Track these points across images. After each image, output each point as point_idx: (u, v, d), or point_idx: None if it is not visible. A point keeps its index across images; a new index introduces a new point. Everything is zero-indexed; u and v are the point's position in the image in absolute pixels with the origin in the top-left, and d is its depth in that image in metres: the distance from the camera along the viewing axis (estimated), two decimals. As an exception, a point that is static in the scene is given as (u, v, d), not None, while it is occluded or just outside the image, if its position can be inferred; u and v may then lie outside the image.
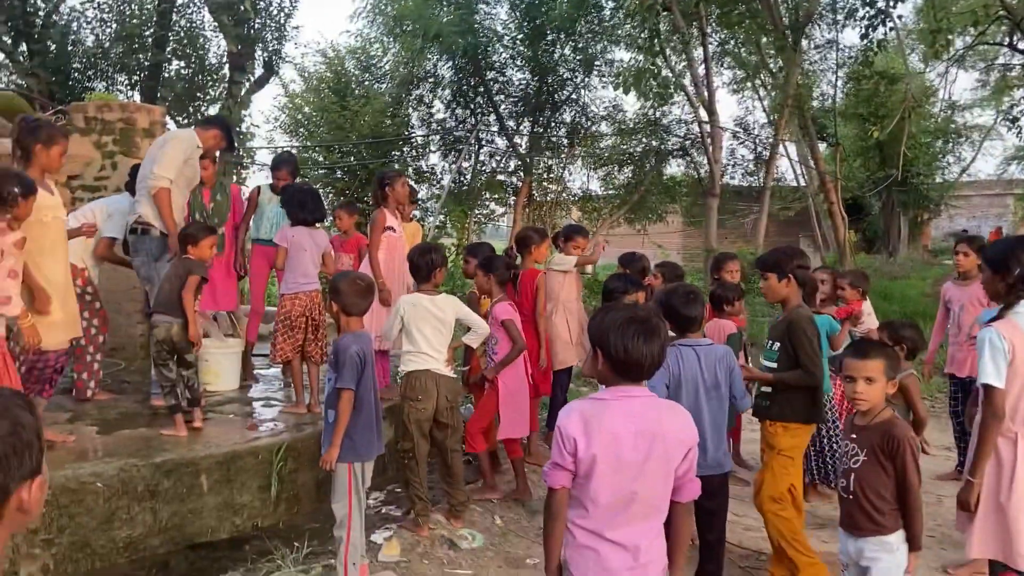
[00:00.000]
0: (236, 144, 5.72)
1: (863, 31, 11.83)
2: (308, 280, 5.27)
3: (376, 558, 4.00)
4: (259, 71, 14.85)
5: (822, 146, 22.75)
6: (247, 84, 14.43)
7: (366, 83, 17.52)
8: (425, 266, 4.37)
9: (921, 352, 4.82)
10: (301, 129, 16.97)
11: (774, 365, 3.74)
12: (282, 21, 14.61)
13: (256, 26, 13.93)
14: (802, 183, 24.53)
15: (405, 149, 17.62)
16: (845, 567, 3.11)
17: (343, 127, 15.73)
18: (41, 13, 13.48)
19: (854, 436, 2.98)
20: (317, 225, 5.48)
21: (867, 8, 11.57)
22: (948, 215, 35.79)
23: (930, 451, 4.39)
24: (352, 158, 16.16)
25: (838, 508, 3.12)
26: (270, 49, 14.68)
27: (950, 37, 19.10)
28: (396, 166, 16.30)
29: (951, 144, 29.76)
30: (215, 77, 15.09)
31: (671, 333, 3.40)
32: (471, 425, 4.89)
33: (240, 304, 6.41)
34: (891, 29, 11.97)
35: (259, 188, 6.24)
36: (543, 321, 5.53)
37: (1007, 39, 20.87)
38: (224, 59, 14.85)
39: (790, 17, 17.18)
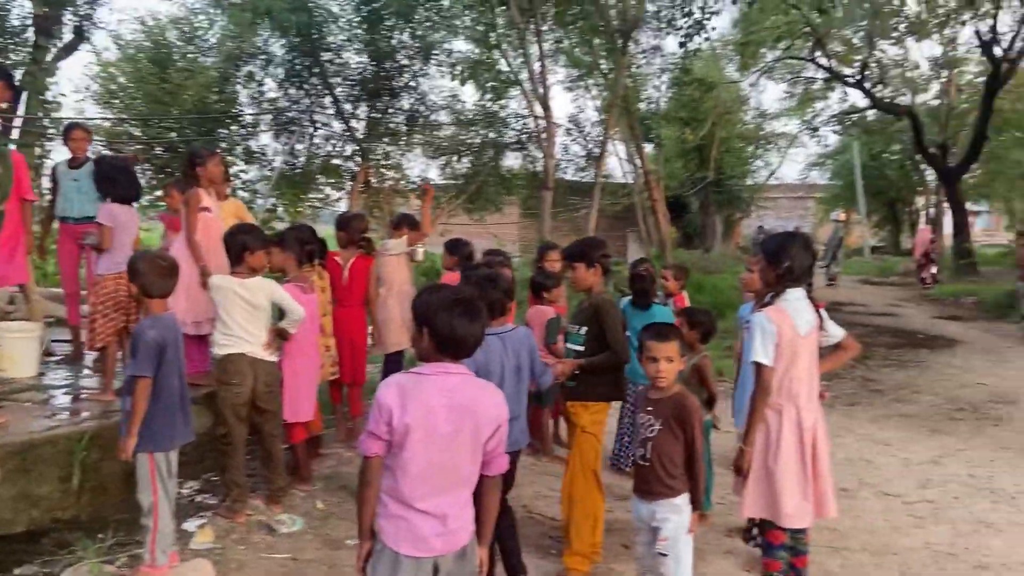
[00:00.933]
0: (25, 98, 5.25)
1: (682, 40, 12.64)
2: (126, 259, 4.99)
3: (188, 546, 3.90)
4: (68, 36, 13.69)
5: (648, 146, 24.10)
6: (54, 50, 13.25)
7: (190, 55, 16.56)
8: (235, 247, 4.25)
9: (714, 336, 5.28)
10: (115, 100, 15.79)
11: (581, 348, 3.99)
12: (94, -16, 13.52)
13: (64, -12, 12.81)
14: (629, 181, 25.79)
15: (233, 128, 16.84)
16: (638, 531, 3.40)
17: (163, 101, 14.81)
18: None
19: (650, 409, 3.27)
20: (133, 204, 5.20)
21: (685, 19, 12.37)
22: (758, 215, 38.89)
23: (721, 427, 4.82)
24: (174, 134, 15.27)
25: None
26: (81, 13, 13.56)
27: (761, 50, 20.85)
28: (223, 145, 15.58)
29: (760, 149, 32.36)
30: (17, 40, 13.72)
31: None
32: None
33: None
34: (706, 39, 12.85)
35: (56, 165, 5.83)
36: (376, 306, 5.58)
37: (811, 54, 23.06)
38: (29, 22, 13.56)
39: (619, 21, 18.01)
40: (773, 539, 3.55)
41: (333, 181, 18.56)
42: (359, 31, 16.82)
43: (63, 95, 16.39)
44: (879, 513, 5.02)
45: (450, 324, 2.40)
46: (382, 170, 19.13)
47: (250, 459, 4.76)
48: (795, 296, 3.48)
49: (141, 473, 3.46)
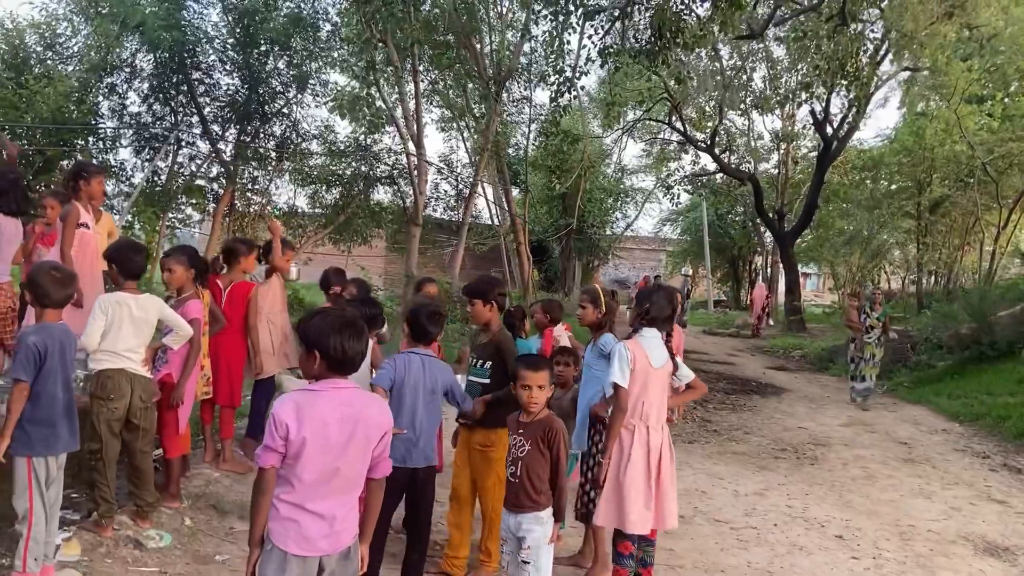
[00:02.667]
0: None
1: (553, 94, 13.41)
2: (8, 270, 4.89)
3: (54, 558, 3.86)
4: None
5: (515, 191, 24.96)
6: None
7: (49, 62, 15.81)
8: (134, 264, 4.31)
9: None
10: (-38, 103, 14.79)
11: (487, 381, 4.38)
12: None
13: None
14: (496, 222, 26.54)
15: (91, 139, 16.13)
16: (505, 540, 3.74)
17: (17, 106, 14.05)
18: None
19: (521, 431, 3.64)
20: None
21: (557, 75, 13.16)
22: (614, 263, 40.80)
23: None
24: (25, 141, 14.46)
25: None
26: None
27: (623, 110, 22.25)
28: (79, 156, 14.88)
29: (619, 202, 34.13)
30: None
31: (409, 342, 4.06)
32: (168, 430, 4.79)
33: None
34: (575, 97, 13.68)
35: None
36: (253, 331, 5.66)
37: (668, 117, 24.81)
38: None
39: (494, 70, 18.79)
40: (623, 549, 4.03)
41: (195, 202, 18.07)
42: (233, 53, 16.65)
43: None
44: (710, 537, 5.61)
45: (341, 345, 2.66)
46: (248, 194, 18.82)
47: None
48: (651, 335, 4.08)
49: (18, 477, 3.44)
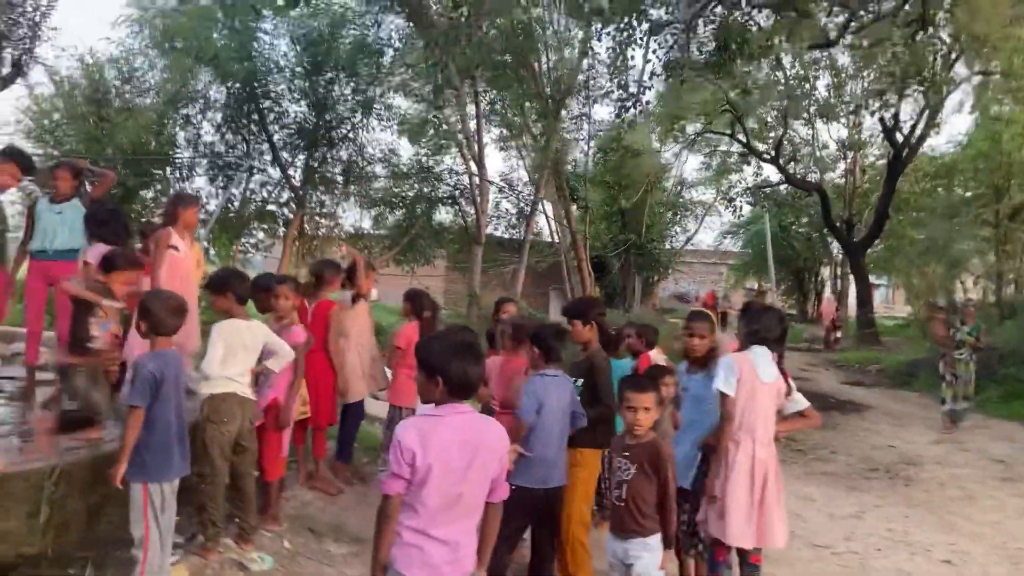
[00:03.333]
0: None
1: (616, 111, 13.38)
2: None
3: (166, 581, 3.94)
4: (6, 69, 13.44)
5: (574, 207, 24.92)
6: (-11, 82, 13.02)
7: (127, 95, 16.42)
8: (247, 292, 4.44)
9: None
10: (47, 136, 15.46)
11: (577, 398, 4.31)
12: (37, 20, 13.38)
13: (6, 21, 12.65)
14: (556, 239, 26.51)
15: (168, 169, 16.68)
16: (612, 568, 3.68)
17: (99, 139, 14.61)
18: None
19: (627, 454, 3.58)
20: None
21: (621, 91, 13.13)
22: (674, 278, 40.32)
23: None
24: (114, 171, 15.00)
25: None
26: (21, 48, 13.36)
27: (683, 123, 22.08)
28: (159, 186, 15.41)
29: (679, 216, 33.77)
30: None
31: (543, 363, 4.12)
32: (271, 452, 4.87)
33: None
34: (640, 112, 13.63)
35: (35, 200, 5.84)
36: (340, 355, 5.72)
37: (729, 130, 24.52)
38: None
39: (552, 88, 18.85)
40: (718, 555, 4.00)
41: (267, 227, 18.51)
42: (300, 81, 17.06)
43: (-4, 128, 15.98)
44: (811, 562, 5.43)
45: (463, 370, 2.65)
46: (317, 218, 19.21)
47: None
48: (760, 352, 4.02)
49: (135, 504, 3.52)
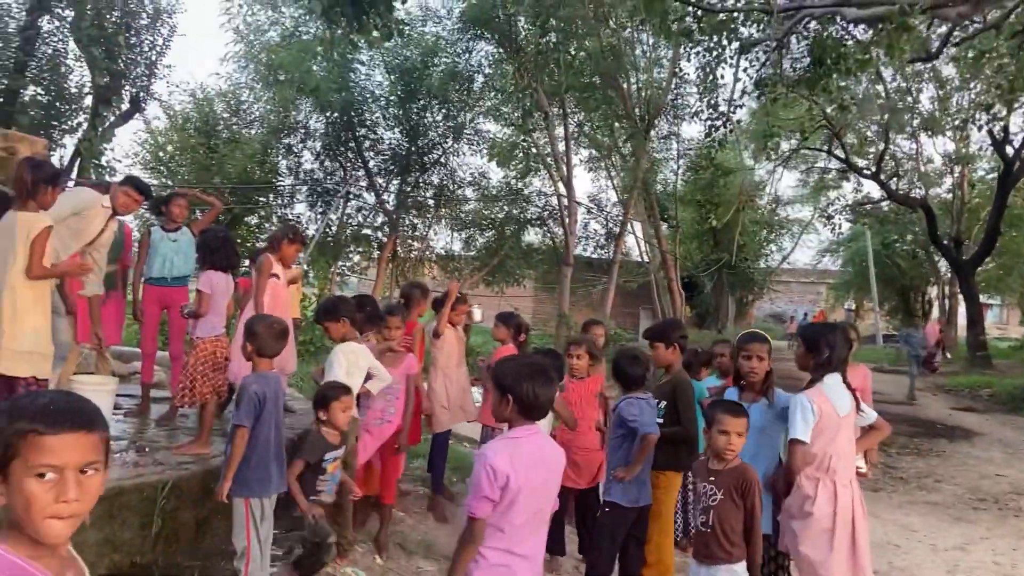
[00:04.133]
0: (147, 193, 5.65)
1: (706, 130, 13.24)
2: (223, 323, 5.35)
3: (265, 592, 4.13)
4: (125, 105, 14.47)
5: (664, 227, 24.72)
6: (112, 118, 14.01)
7: (234, 127, 17.39)
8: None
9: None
10: (162, 167, 16.53)
11: (660, 420, 4.33)
12: (153, 58, 14.37)
13: (126, 60, 13.64)
14: (645, 259, 26.31)
15: (271, 196, 17.54)
16: (697, 594, 3.64)
17: (208, 168, 15.52)
18: None
19: (712, 479, 3.54)
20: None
21: (711, 110, 12.99)
22: (770, 298, 39.26)
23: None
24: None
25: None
26: (139, 85, 14.37)
27: (778, 140, 21.58)
28: (262, 212, 16.20)
29: (774, 234, 32.94)
30: (73, 107, 14.51)
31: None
32: (391, 476, 5.03)
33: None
34: (731, 131, 13.46)
35: (150, 229, 6.27)
36: (421, 373, 5.86)
37: (827, 146, 23.81)
38: (85, 89, 14.37)
39: (641, 109, 18.83)
40: None
41: (362, 250, 19.15)
42: (394, 109, 17.65)
43: (119, 160, 17.17)
44: (912, 595, 5.21)
45: (533, 391, 2.75)
46: (409, 241, 19.74)
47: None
48: (833, 381, 3.76)
49: (237, 517, 3.73)
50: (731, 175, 24.48)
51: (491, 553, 2.71)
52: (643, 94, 19.38)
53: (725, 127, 13.08)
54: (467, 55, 17.47)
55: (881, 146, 22.28)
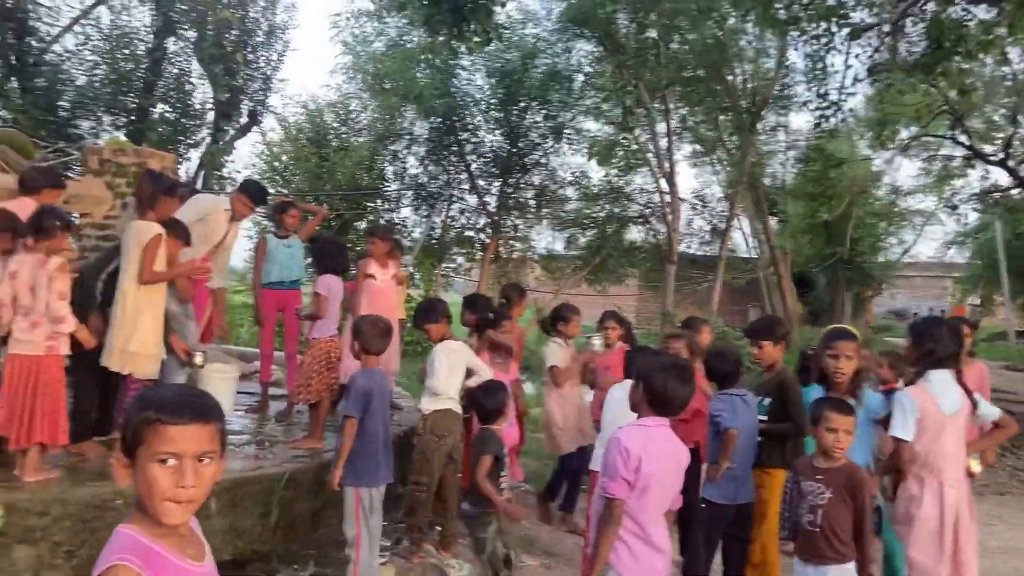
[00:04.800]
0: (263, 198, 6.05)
1: (816, 120, 12.78)
2: (336, 324, 5.61)
3: (375, 580, 4.33)
4: (244, 119, 15.31)
5: (773, 221, 23.96)
6: (231, 131, 14.86)
7: (343, 135, 18.08)
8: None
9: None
10: (278, 176, 17.38)
11: (764, 417, 4.30)
12: (269, 74, 15.15)
13: (244, 77, 14.44)
14: (754, 255, 25.60)
15: (378, 201, 18.14)
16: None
17: (320, 177, 16.20)
18: (34, 52, 13.85)
19: (820, 477, 3.46)
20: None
21: (820, 99, 12.54)
22: (890, 293, 37.40)
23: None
24: (327, 206, 16.59)
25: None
26: (256, 99, 15.17)
27: (896, 128, 20.57)
28: (370, 218, 16.78)
29: (894, 227, 31.35)
30: (197, 122, 15.49)
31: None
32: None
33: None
34: (842, 120, 12.96)
35: (264, 237, 6.67)
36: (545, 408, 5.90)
37: (949, 132, 22.48)
38: (208, 105, 15.30)
39: (747, 101, 18.34)
40: None
41: (465, 251, 19.52)
42: (495, 112, 17.89)
43: (238, 171, 18.19)
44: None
45: (663, 384, 2.83)
46: (511, 241, 19.96)
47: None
48: (939, 378, 3.61)
49: (347, 506, 3.94)
50: (843, 166, 23.46)
51: (631, 540, 2.83)
52: (749, 85, 18.89)
53: (836, 116, 12.59)
54: (566, 55, 17.52)
55: (1009, 131, 20.84)
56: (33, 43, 14.12)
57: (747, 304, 29.49)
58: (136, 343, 4.54)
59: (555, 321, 5.82)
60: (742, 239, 25.79)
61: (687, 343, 5.02)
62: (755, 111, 18.37)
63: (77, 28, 14.85)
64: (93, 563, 1.59)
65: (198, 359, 5.52)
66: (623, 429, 2.90)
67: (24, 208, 4.78)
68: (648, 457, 2.75)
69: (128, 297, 4.54)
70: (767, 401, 4.33)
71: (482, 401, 4.25)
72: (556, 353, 5.63)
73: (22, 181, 5.07)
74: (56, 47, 14.57)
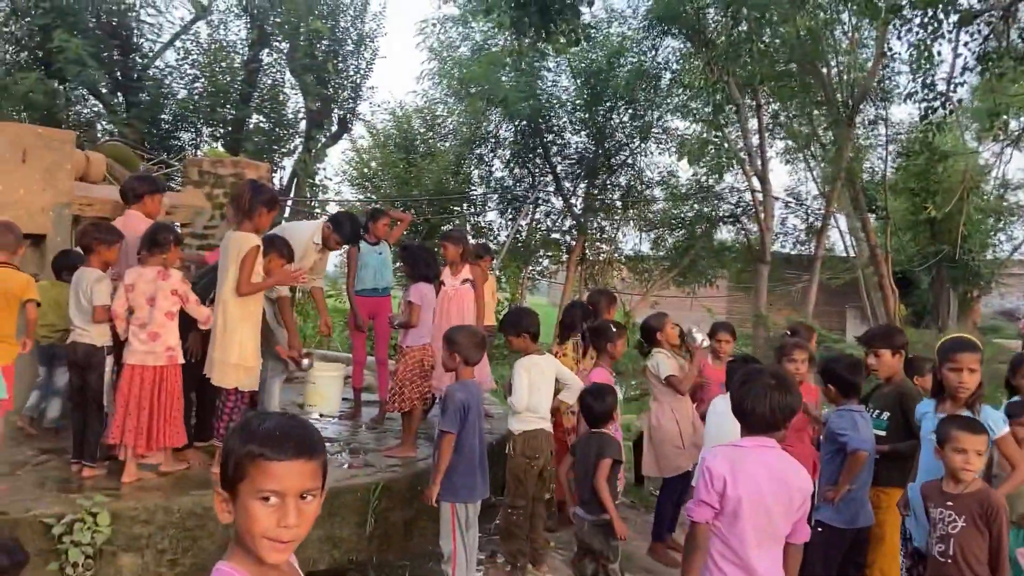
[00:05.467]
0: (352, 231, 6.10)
1: (922, 112, 12.11)
2: (429, 332, 5.56)
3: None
4: (334, 127, 15.64)
5: (872, 218, 22.92)
6: (323, 139, 15.20)
7: (430, 141, 18.26)
8: (538, 329, 4.72)
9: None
10: (367, 183, 17.69)
11: (883, 433, 4.03)
12: (358, 82, 15.42)
13: (335, 86, 14.74)
14: (852, 254, 24.58)
15: (464, 205, 18.23)
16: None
17: (408, 182, 16.39)
18: (138, 67, 14.54)
19: (950, 503, 3.19)
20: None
21: (927, 90, 11.87)
22: (999, 293, 35.32)
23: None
24: (414, 211, 16.78)
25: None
26: (346, 107, 15.46)
27: (1006, 119, 19.34)
28: (456, 222, 16.88)
29: (1004, 222, 29.59)
30: (290, 131, 15.91)
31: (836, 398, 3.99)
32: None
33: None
34: (950, 112, 12.25)
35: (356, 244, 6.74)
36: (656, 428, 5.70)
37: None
38: (300, 115, 15.69)
39: (843, 93, 17.58)
40: None
41: (551, 254, 19.40)
42: (580, 113, 17.71)
43: (329, 179, 18.63)
44: None
45: (742, 398, 2.66)
46: (597, 244, 19.73)
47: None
48: None
49: (444, 521, 3.88)
50: (949, 159, 22.23)
51: (726, 566, 2.62)
52: (845, 78, 18.11)
53: (944, 107, 11.90)
54: (653, 52, 17.18)
55: None
56: (137, 59, 14.83)
57: (844, 305, 28.34)
58: (236, 355, 4.57)
59: (650, 334, 5.55)
60: (839, 237, 24.79)
61: (810, 354, 4.77)
62: (852, 104, 17.58)
63: (177, 43, 15.53)
64: (195, 571, 1.53)
65: (306, 363, 5.62)
66: (712, 449, 2.72)
67: (127, 222, 4.91)
68: (735, 479, 2.54)
69: (228, 308, 4.58)
70: (884, 416, 4.05)
71: (592, 404, 4.14)
72: (667, 363, 5.36)
73: (123, 193, 5.19)
74: (158, 62, 15.28)
